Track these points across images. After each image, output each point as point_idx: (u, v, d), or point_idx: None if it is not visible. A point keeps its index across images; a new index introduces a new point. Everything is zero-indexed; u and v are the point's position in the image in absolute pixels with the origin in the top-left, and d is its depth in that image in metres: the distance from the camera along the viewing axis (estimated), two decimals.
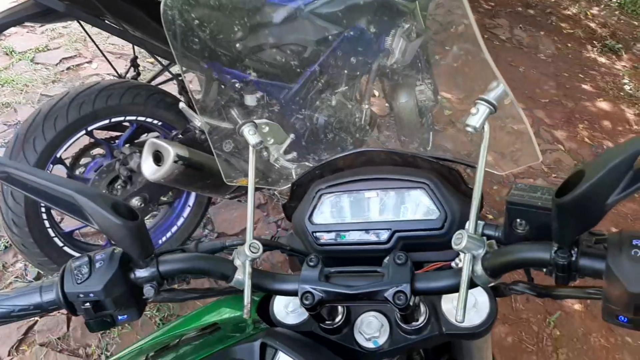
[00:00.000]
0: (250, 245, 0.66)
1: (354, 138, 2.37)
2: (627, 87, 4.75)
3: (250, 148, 0.73)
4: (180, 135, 1.97)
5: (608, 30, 5.90)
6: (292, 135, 2.17)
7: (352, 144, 2.36)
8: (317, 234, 0.80)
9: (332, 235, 0.79)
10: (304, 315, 0.78)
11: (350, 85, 2.34)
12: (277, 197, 2.71)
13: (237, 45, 1.96)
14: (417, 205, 0.77)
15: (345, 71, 2.28)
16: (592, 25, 6.00)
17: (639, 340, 2.29)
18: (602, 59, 5.31)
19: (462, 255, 0.65)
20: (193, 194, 2.23)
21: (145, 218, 2.18)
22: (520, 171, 3.30)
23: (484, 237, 0.59)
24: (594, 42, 5.58)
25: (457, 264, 0.67)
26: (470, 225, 0.60)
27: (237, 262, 0.66)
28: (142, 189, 1.96)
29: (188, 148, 1.78)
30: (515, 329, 2.28)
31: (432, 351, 0.93)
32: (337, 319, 0.74)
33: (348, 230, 0.79)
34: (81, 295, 0.62)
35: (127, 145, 2.02)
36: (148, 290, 0.65)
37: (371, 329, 0.73)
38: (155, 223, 2.25)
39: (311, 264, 0.68)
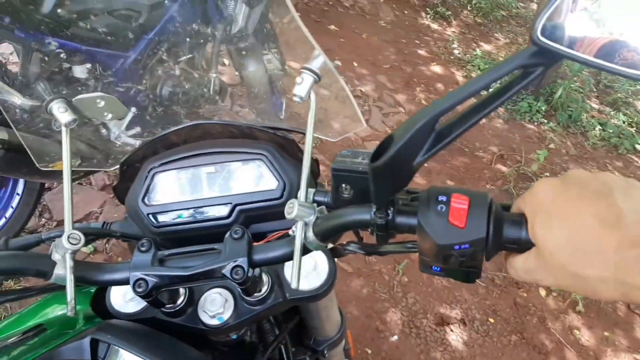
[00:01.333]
0: (69, 237, 0.59)
1: (203, 109, 2.28)
2: (456, 52, 5.21)
3: (63, 128, 0.65)
4: None
5: None
6: (133, 109, 2.01)
7: (202, 115, 2.27)
8: (153, 216, 0.75)
9: (169, 215, 0.75)
10: (144, 302, 0.73)
11: (194, 53, 2.23)
12: None
13: (60, 10, 1.74)
14: (256, 177, 0.76)
15: (188, 39, 2.16)
16: None
17: None
18: (435, 26, 5.75)
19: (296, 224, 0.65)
20: (21, 180, 1.98)
21: None
22: (368, 134, 3.47)
23: (315, 204, 0.59)
24: (427, 9, 6.01)
25: (293, 232, 0.67)
26: (301, 193, 0.60)
27: (56, 256, 0.59)
28: None
29: (7, 129, 1.56)
30: (369, 281, 2.43)
31: (282, 316, 0.94)
32: (179, 301, 0.70)
33: (186, 209, 0.75)
34: None
35: None
36: None
37: (215, 306, 0.71)
38: None
39: (143, 248, 0.63)
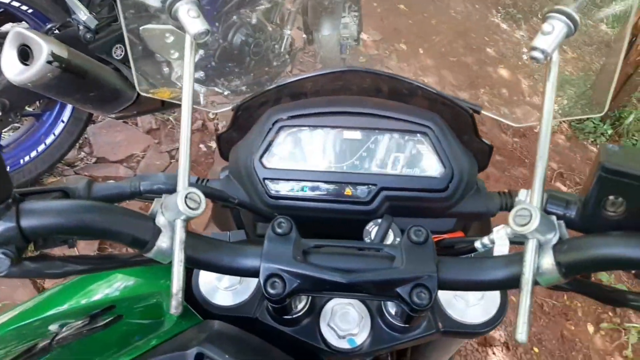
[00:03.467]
0: (187, 196, 0.40)
1: (270, 66, 2.09)
2: (524, 57, 4.92)
3: (188, 40, 0.46)
4: (56, 30, 1.55)
5: None
6: (201, 52, 1.84)
7: (269, 72, 2.08)
8: (270, 183, 0.57)
9: (290, 185, 0.58)
10: (244, 294, 0.56)
11: (273, 4, 2.03)
12: (172, 122, 2.35)
13: None
14: (413, 156, 0.58)
15: None
16: None
17: None
18: (504, 26, 5.45)
19: (496, 234, 0.46)
20: (69, 107, 1.82)
21: (3, 130, 1.73)
22: None
23: (554, 217, 0.40)
24: (499, 7, 5.71)
25: (484, 245, 0.48)
26: (534, 197, 0.41)
27: (161, 220, 0.41)
28: (0, 92, 1.52)
29: (68, 47, 1.38)
30: None
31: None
32: (300, 307, 0.53)
33: (313, 181, 0.57)
34: None
35: None
36: None
37: (347, 323, 0.53)
38: (16, 138, 1.82)
39: (279, 230, 0.45)
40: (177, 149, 2.26)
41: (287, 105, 0.61)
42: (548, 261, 0.39)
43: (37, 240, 0.40)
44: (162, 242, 0.41)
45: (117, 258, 0.45)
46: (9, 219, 0.37)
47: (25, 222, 0.37)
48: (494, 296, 0.56)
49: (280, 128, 0.58)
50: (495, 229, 0.47)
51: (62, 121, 1.82)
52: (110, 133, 2.21)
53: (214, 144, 2.35)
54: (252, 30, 1.89)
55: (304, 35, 2.45)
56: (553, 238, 0.39)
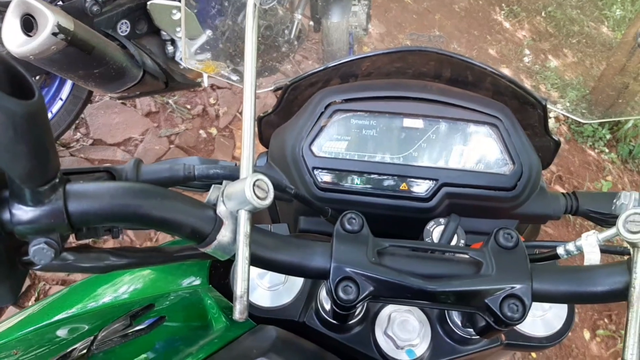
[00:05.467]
0: (255, 184, 0.34)
1: (278, 52, 2.02)
2: (526, 59, 4.90)
3: (251, 4, 0.41)
4: (60, 2, 1.47)
5: None
6: (208, 32, 1.76)
7: (277, 57, 2.01)
8: (319, 173, 0.52)
9: (342, 177, 0.53)
10: (287, 295, 0.50)
11: None
12: (171, 106, 2.27)
13: None
14: (480, 150, 0.54)
15: None
16: None
17: None
18: (507, 24, 5.42)
19: (584, 240, 0.43)
20: (68, 84, 1.74)
21: None
22: None
23: None
24: (503, 4, 5.68)
25: (569, 252, 0.44)
26: None
27: (222, 211, 0.35)
28: None
29: (75, 20, 1.30)
30: None
31: None
32: (356, 313, 0.47)
33: (367, 173, 0.52)
34: None
35: None
36: (39, 251, 0.31)
37: (406, 332, 0.48)
38: None
39: (349, 227, 0.39)
40: (177, 134, 2.19)
41: (340, 87, 0.55)
42: None
43: (81, 229, 0.34)
44: (224, 235, 0.35)
45: (166, 252, 0.39)
46: (56, 202, 0.31)
47: (74, 207, 0.31)
48: (561, 308, 0.51)
49: (334, 112, 0.53)
50: (584, 235, 0.42)
51: (61, 99, 1.74)
52: (108, 114, 2.13)
53: (214, 131, 2.28)
54: (263, 13, 1.82)
55: (311, 23, 2.39)
56: None
